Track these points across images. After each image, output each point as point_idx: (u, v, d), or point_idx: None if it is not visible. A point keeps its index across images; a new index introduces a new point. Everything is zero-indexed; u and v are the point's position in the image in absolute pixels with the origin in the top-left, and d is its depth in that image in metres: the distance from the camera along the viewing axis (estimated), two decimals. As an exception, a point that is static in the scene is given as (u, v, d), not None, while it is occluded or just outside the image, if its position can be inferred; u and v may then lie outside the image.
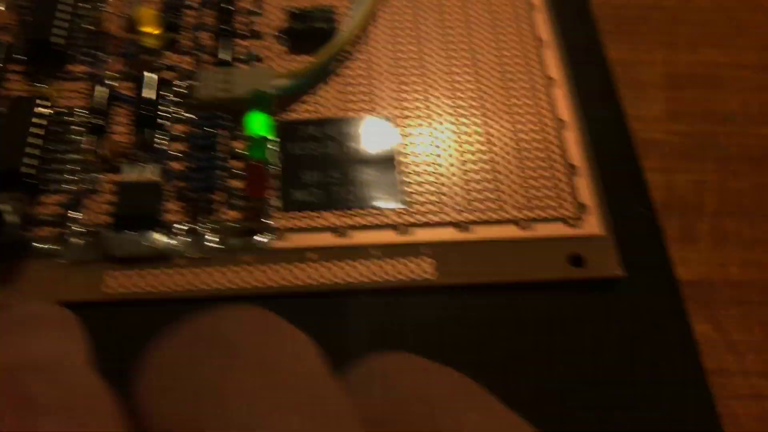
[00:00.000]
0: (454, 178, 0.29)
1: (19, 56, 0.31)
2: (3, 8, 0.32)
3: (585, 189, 0.29)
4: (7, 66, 0.30)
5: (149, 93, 0.29)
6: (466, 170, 0.29)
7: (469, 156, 0.30)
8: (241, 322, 0.14)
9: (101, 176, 0.28)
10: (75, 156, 0.28)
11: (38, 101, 0.28)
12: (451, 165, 0.29)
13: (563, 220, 0.28)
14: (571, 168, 0.30)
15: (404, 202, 0.28)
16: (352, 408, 0.13)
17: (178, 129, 0.30)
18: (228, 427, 0.12)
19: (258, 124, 0.28)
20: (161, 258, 0.26)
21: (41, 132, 0.28)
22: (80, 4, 0.32)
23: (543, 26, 0.34)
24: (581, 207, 0.29)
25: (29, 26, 0.30)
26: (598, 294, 0.27)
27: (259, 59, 0.32)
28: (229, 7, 0.33)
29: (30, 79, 0.30)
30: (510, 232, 0.28)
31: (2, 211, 0.25)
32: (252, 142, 0.28)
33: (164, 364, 0.14)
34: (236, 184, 0.28)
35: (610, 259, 0.27)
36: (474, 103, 0.31)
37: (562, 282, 0.27)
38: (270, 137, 0.28)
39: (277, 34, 0.33)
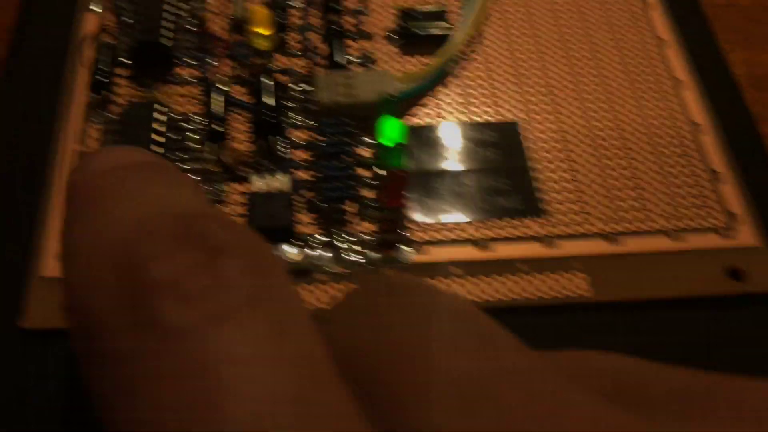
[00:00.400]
0: (595, 186, 0.28)
1: (124, 59, 0.29)
2: (99, 10, 0.31)
3: (732, 196, 0.28)
4: (114, 70, 0.29)
5: (269, 98, 0.27)
6: (605, 177, 0.28)
7: (607, 162, 0.28)
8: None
9: (226, 186, 0.26)
10: (196, 165, 0.27)
11: (156, 107, 0.27)
12: (590, 171, 0.28)
13: (714, 230, 0.27)
14: (714, 174, 0.28)
15: (545, 212, 0.27)
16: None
17: (299, 136, 0.28)
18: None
19: (393, 129, 0.26)
20: (301, 273, 0.25)
21: (162, 140, 0.26)
22: (182, 4, 0.31)
23: (661, 25, 0.33)
24: (731, 216, 0.27)
25: (135, 28, 0.29)
26: (762, 309, 0.25)
27: (373, 61, 0.30)
28: (336, 6, 0.31)
29: (137, 83, 0.29)
30: (661, 243, 0.26)
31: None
32: (387, 149, 0.26)
33: (347, 312, 0.15)
34: (368, 193, 0.27)
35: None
36: (603, 105, 0.30)
37: (721, 297, 0.25)
38: (404, 143, 0.27)
39: (386, 34, 0.31)
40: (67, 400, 0.23)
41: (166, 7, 0.29)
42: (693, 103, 0.30)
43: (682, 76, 0.31)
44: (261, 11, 0.28)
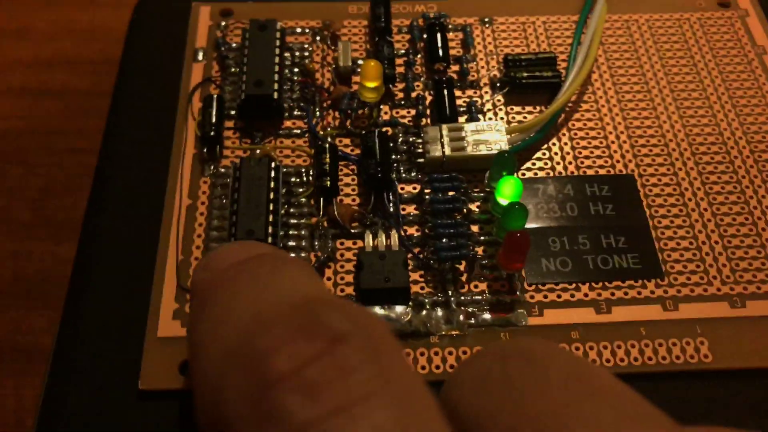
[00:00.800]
0: (715, 245, 0.27)
1: (232, 112, 0.29)
2: (203, 60, 0.31)
3: None
4: (222, 123, 0.29)
5: (378, 152, 0.27)
6: (726, 235, 0.27)
7: (728, 219, 0.27)
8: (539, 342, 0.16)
9: (337, 243, 0.26)
10: (306, 221, 0.27)
11: (272, 163, 0.27)
12: (709, 229, 0.27)
13: None
14: (842, 232, 0.27)
15: (665, 273, 0.26)
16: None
17: (410, 191, 0.28)
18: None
19: (511, 188, 0.26)
20: (416, 336, 0.24)
21: (274, 196, 0.26)
22: (287, 54, 0.31)
23: (775, 67, 0.31)
24: None
25: (246, 80, 0.29)
26: None
27: (481, 112, 0.30)
28: (443, 55, 0.31)
29: (245, 136, 0.29)
30: (788, 307, 0.25)
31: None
32: (505, 209, 0.25)
33: (478, 375, 0.15)
34: (481, 252, 0.26)
35: None
36: (718, 158, 0.29)
37: None
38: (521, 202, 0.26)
39: (492, 83, 0.31)
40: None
41: (275, 59, 0.29)
42: (815, 155, 0.29)
43: (801, 125, 0.30)
44: (373, 64, 0.28)
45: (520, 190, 0.26)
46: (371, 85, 0.28)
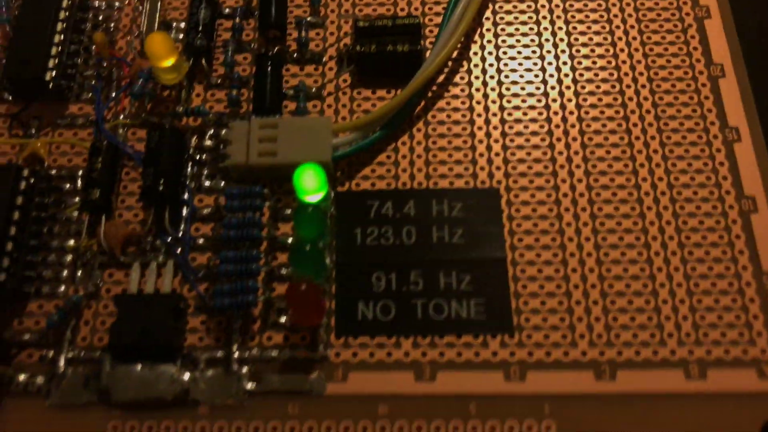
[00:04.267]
0: (591, 289, 0.20)
1: (2, 95, 0.23)
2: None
3: (786, 314, 0.20)
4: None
5: (165, 154, 0.21)
6: (608, 277, 0.20)
7: (614, 255, 0.21)
8: None
9: (105, 276, 0.21)
10: (70, 245, 0.21)
11: (21, 172, 0.21)
12: (588, 268, 0.21)
13: (756, 364, 0.19)
14: (767, 278, 0.20)
15: (517, 328, 0.20)
16: None
17: (207, 204, 0.22)
18: None
19: (305, 219, 0.20)
20: (179, 404, 0.19)
21: (19, 216, 0.21)
22: (89, 16, 0.24)
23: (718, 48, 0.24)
24: (780, 345, 0.19)
25: (9, 58, 0.23)
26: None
27: (318, 97, 0.23)
28: (276, 18, 0.24)
29: (20, 125, 0.23)
30: (672, 381, 0.19)
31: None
32: (296, 249, 0.19)
33: None
34: (283, 290, 0.20)
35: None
36: (623, 168, 0.22)
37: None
38: (323, 236, 0.20)
39: (341, 57, 0.24)
40: None
41: (57, 28, 0.23)
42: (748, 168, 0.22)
43: (738, 124, 0.22)
44: (153, 38, 0.22)
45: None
46: (163, 64, 0.22)
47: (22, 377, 0.20)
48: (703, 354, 0.19)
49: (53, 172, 0.22)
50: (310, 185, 0.20)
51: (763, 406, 0.19)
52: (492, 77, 0.23)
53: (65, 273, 0.21)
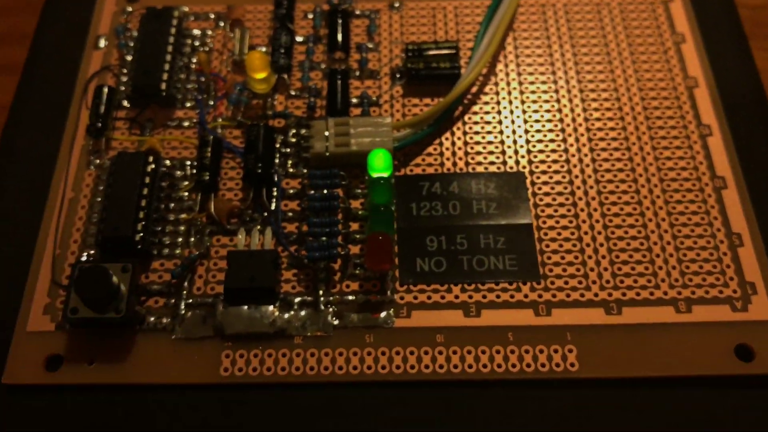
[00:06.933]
0: (600, 247, 0.26)
1: (121, 102, 0.29)
2: (104, 47, 0.30)
3: (752, 263, 0.25)
4: (113, 113, 0.29)
5: (261, 146, 0.27)
6: (613, 237, 0.26)
7: (617, 221, 0.26)
8: None
9: (213, 241, 0.26)
10: (185, 216, 0.26)
11: (148, 157, 0.26)
12: (596, 231, 0.26)
13: (729, 301, 0.25)
14: (735, 238, 0.26)
15: (542, 276, 0.25)
16: None
17: (293, 186, 0.27)
18: None
19: (380, 189, 0.25)
20: (279, 336, 0.24)
21: (148, 191, 0.26)
22: (188, 41, 0.30)
23: (693, 64, 0.30)
24: (750, 286, 0.25)
25: (135, 69, 0.29)
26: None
27: (377, 104, 0.29)
28: (342, 43, 0.30)
29: (136, 126, 0.29)
30: (665, 315, 0.24)
31: (115, 283, 0.23)
32: (373, 210, 0.25)
33: None
34: (357, 250, 0.26)
35: (784, 352, 0.24)
36: (620, 165, 0.27)
37: (728, 378, 0.23)
38: (391, 203, 0.26)
39: (393, 73, 0.30)
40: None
41: (168, 48, 0.29)
42: (719, 154, 0.28)
43: (708, 121, 0.28)
44: (256, 54, 0.28)
45: (389, 189, 0.25)
46: (258, 76, 0.28)
47: (152, 318, 0.25)
48: (689, 294, 0.25)
49: (167, 162, 0.28)
50: (381, 164, 0.25)
51: (735, 332, 0.24)
52: (514, 88, 0.29)
53: (180, 240, 0.26)
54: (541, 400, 0.23)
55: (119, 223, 0.25)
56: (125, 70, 0.30)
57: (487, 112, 0.29)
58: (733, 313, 0.24)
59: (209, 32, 0.31)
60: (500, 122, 0.29)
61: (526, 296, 0.25)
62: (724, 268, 0.25)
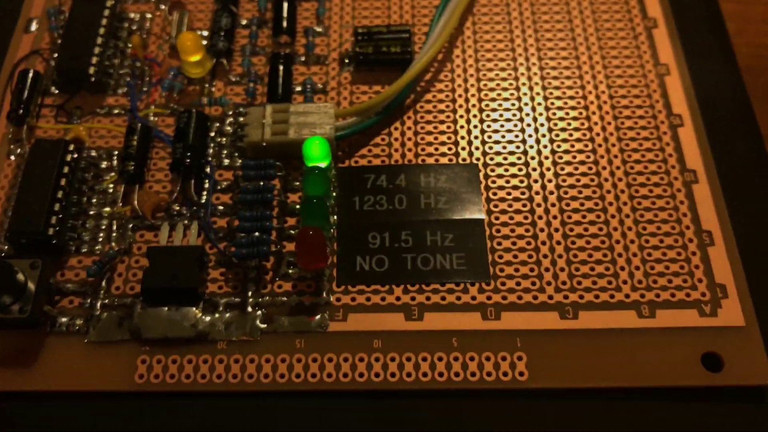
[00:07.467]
0: (556, 245, 0.23)
1: (49, 88, 0.27)
2: (36, 31, 0.29)
3: (723, 264, 0.23)
4: (38, 99, 0.27)
5: (192, 134, 0.25)
6: (571, 235, 0.24)
7: (576, 217, 0.24)
8: None
9: (136, 236, 0.24)
10: (106, 210, 0.24)
11: (68, 146, 0.24)
12: (553, 228, 0.24)
13: (697, 305, 0.22)
14: (705, 236, 0.24)
15: (493, 277, 0.23)
16: None
17: (227, 178, 0.25)
18: None
19: (313, 179, 0.23)
20: (200, 340, 0.22)
21: (66, 183, 0.24)
22: (125, 24, 0.28)
23: (665, 51, 0.28)
24: (720, 289, 0.23)
25: (61, 54, 0.27)
26: (741, 406, 0.21)
27: (323, 91, 0.27)
28: (287, 27, 0.28)
29: (63, 114, 0.27)
30: (626, 320, 0.22)
31: (21, 281, 0.21)
32: (305, 203, 0.23)
33: None
34: (291, 248, 0.24)
35: (756, 361, 0.21)
36: (581, 156, 0.25)
37: (694, 389, 0.21)
38: (328, 196, 0.23)
39: (342, 58, 0.28)
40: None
41: (99, 31, 0.27)
42: (690, 147, 0.25)
43: (679, 111, 0.26)
44: (185, 36, 0.26)
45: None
46: (191, 59, 0.26)
47: (63, 319, 0.23)
48: (653, 297, 0.22)
49: (93, 153, 0.26)
50: (317, 152, 0.23)
51: (702, 339, 0.22)
52: (471, 75, 0.27)
53: (101, 235, 0.24)
54: (486, 413, 0.21)
55: (31, 216, 0.23)
56: (56, 55, 0.28)
57: (440, 101, 0.27)
58: (700, 318, 0.22)
59: (148, 15, 0.29)
60: (454, 111, 0.26)
61: (473, 298, 0.23)
62: (692, 269, 0.23)
